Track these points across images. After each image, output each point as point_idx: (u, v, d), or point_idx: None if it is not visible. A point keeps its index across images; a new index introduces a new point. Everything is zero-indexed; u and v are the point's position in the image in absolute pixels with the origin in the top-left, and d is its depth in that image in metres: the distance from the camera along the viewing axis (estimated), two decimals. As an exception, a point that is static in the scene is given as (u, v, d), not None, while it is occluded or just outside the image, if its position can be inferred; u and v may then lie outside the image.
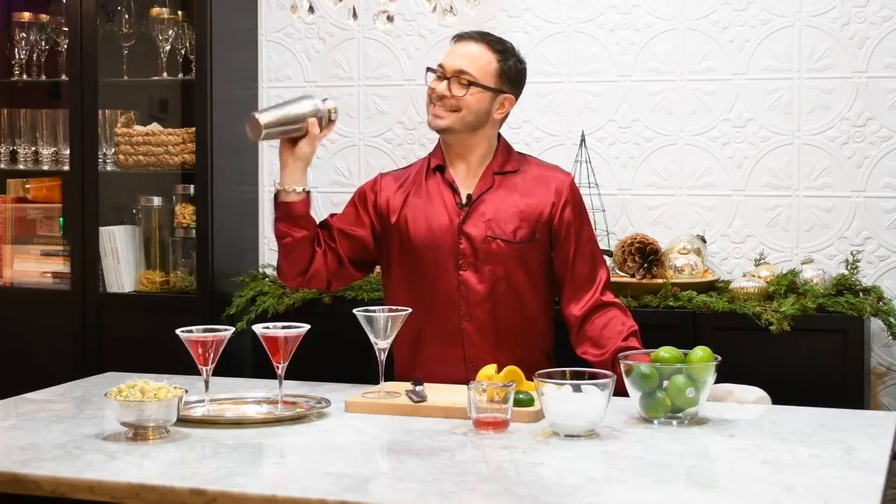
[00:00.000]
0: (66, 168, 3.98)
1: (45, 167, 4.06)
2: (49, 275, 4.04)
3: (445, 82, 2.91)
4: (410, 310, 2.65)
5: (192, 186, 3.87)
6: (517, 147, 3.13)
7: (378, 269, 3.15)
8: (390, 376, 2.85)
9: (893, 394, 3.54)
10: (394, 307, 2.65)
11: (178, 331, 2.46)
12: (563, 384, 2.35)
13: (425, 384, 2.69)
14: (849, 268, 3.42)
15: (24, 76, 4.10)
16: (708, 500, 1.97)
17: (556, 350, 3.03)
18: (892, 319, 3.28)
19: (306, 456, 2.24)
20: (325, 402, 2.59)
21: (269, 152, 4.03)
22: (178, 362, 2.76)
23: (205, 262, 3.81)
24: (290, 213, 2.87)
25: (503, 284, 2.92)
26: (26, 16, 4.06)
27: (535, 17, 3.81)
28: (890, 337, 3.32)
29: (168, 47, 3.92)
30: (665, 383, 2.43)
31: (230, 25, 3.93)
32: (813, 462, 2.20)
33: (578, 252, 2.95)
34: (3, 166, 4.12)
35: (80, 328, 3.92)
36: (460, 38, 2.96)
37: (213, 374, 2.47)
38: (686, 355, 2.48)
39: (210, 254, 3.81)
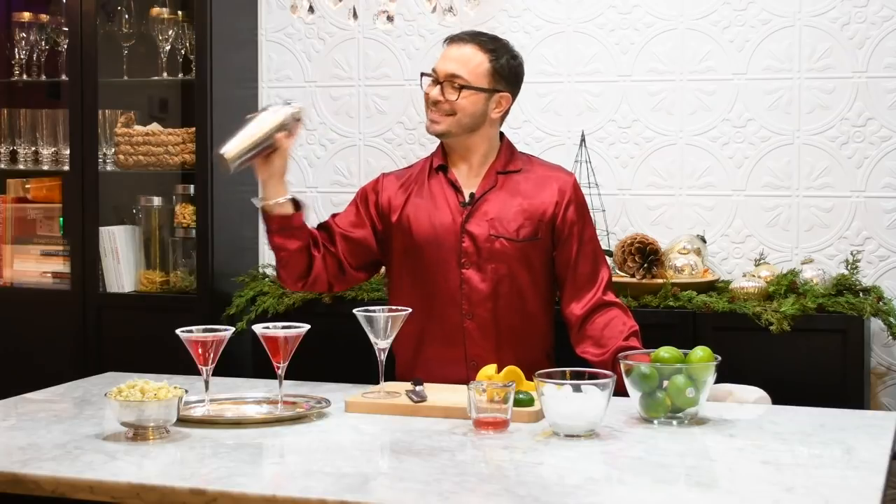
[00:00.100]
0: (66, 168, 3.98)
1: (45, 167, 4.06)
2: (49, 275, 4.04)
3: (439, 87, 2.92)
4: (410, 310, 2.65)
5: (192, 186, 3.86)
6: (516, 147, 3.13)
7: (382, 268, 3.15)
8: (391, 376, 2.85)
9: (893, 394, 3.54)
10: (394, 307, 2.65)
11: (178, 331, 2.46)
12: (563, 384, 2.35)
13: (425, 384, 2.69)
14: (849, 268, 3.42)
15: (24, 76, 4.10)
16: (708, 500, 1.97)
17: (556, 350, 3.04)
18: (892, 319, 3.28)
19: (306, 456, 2.24)
20: (325, 402, 2.59)
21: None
22: (178, 362, 2.76)
23: (205, 262, 3.81)
24: (281, 225, 2.87)
25: (506, 283, 2.92)
26: (26, 16, 4.06)
27: (535, 17, 3.81)
28: (890, 337, 3.32)
29: (168, 47, 3.92)
30: (665, 383, 2.43)
31: (230, 25, 3.93)
32: (813, 462, 2.20)
33: (581, 251, 2.95)
34: (3, 166, 4.12)
35: (80, 328, 3.92)
36: (452, 40, 2.96)
37: (213, 374, 2.47)
38: (686, 355, 2.48)
39: (210, 254, 3.81)
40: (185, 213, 3.86)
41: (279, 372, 2.53)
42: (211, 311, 3.70)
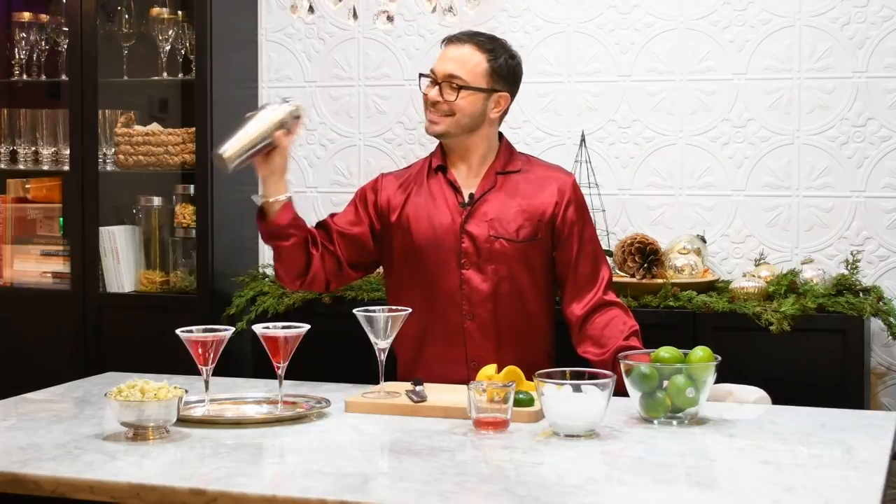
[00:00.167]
0: (66, 168, 3.98)
1: (45, 167, 4.06)
2: (49, 275, 4.04)
3: (437, 88, 2.92)
4: (410, 310, 2.65)
5: (192, 186, 3.86)
6: (516, 147, 3.13)
7: (378, 268, 3.15)
8: (391, 376, 2.85)
9: (893, 394, 3.54)
10: (394, 307, 2.65)
11: (178, 331, 2.46)
12: (563, 384, 2.35)
13: (425, 384, 2.69)
14: (849, 268, 3.42)
15: (24, 76, 4.10)
16: (708, 500, 1.97)
17: (557, 350, 3.04)
18: (892, 319, 3.28)
19: (306, 456, 2.24)
20: (325, 402, 2.58)
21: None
22: (178, 362, 2.76)
23: (205, 262, 3.81)
24: (277, 223, 2.86)
25: (506, 284, 2.92)
26: (26, 16, 4.06)
27: (535, 17, 3.81)
28: (890, 337, 3.32)
29: (168, 47, 3.92)
30: (665, 383, 2.43)
31: (230, 25, 3.93)
32: (813, 462, 2.20)
33: (581, 251, 2.95)
34: (3, 166, 4.12)
35: (80, 328, 3.92)
36: (450, 41, 2.96)
37: (213, 374, 2.47)
38: (686, 355, 2.48)
39: (210, 254, 3.81)
40: (185, 213, 3.86)
41: (279, 372, 2.53)
42: (211, 311, 3.70)
